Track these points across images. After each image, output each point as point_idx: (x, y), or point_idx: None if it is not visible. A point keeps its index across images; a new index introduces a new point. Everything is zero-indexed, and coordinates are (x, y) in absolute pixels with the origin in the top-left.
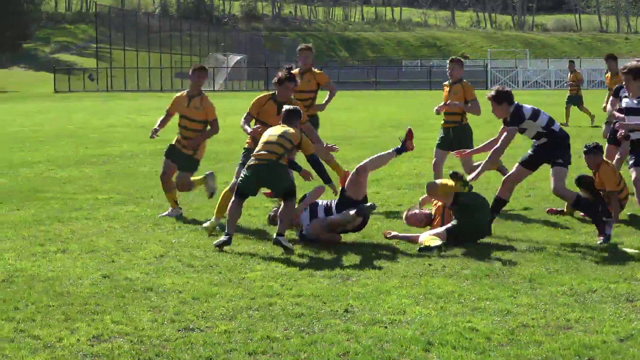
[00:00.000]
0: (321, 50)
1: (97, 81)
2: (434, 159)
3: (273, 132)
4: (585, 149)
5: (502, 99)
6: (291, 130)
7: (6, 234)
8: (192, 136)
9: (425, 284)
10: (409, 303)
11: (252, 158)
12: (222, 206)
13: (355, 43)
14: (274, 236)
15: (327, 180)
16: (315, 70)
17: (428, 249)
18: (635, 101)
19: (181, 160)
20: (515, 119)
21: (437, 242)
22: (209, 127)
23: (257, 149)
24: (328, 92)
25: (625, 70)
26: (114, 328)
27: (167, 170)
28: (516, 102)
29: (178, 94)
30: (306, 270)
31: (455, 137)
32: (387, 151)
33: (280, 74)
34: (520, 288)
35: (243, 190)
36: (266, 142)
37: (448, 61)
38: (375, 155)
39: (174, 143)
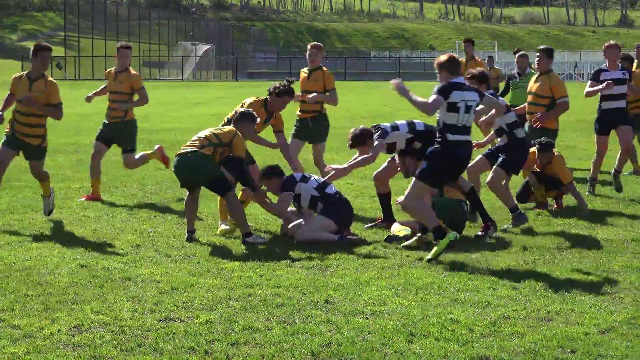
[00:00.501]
0: (289, 41)
1: (65, 69)
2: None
3: (205, 130)
4: (538, 145)
5: (365, 138)
6: (225, 128)
7: None
8: (33, 122)
9: (404, 275)
10: (388, 294)
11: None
12: (221, 208)
13: (324, 34)
14: (242, 239)
15: (252, 187)
16: (132, 71)
17: (396, 238)
18: None
19: (28, 151)
20: (381, 134)
21: (406, 231)
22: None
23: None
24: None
25: None
26: (94, 318)
27: (4, 159)
28: (374, 124)
29: (16, 75)
30: (284, 261)
31: (315, 126)
32: (331, 236)
33: (279, 85)
34: (499, 280)
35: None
36: (193, 138)
37: (309, 46)
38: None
39: (10, 132)
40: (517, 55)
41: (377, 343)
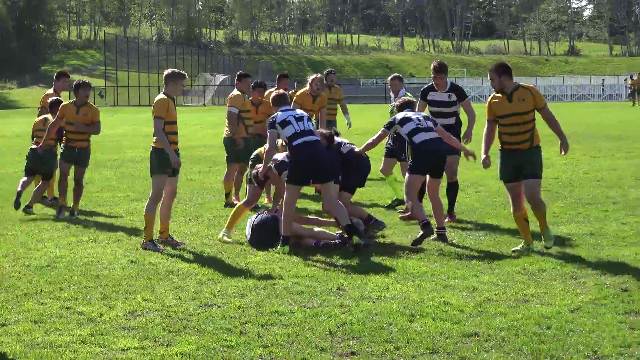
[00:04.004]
0: (291, 71)
1: (105, 97)
2: None
3: None
4: None
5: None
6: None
7: (44, 226)
8: None
9: (402, 265)
10: (390, 282)
11: None
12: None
13: (320, 64)
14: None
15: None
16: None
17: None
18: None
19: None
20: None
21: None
22: None
23: None
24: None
25: None
26: (145, 305)
27: None
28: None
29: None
30: (300, 255)
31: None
32: (332, 238)
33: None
34: (482, 269)
35: None
36: None
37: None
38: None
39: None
40: (389, 79)
41: (384, 323)
